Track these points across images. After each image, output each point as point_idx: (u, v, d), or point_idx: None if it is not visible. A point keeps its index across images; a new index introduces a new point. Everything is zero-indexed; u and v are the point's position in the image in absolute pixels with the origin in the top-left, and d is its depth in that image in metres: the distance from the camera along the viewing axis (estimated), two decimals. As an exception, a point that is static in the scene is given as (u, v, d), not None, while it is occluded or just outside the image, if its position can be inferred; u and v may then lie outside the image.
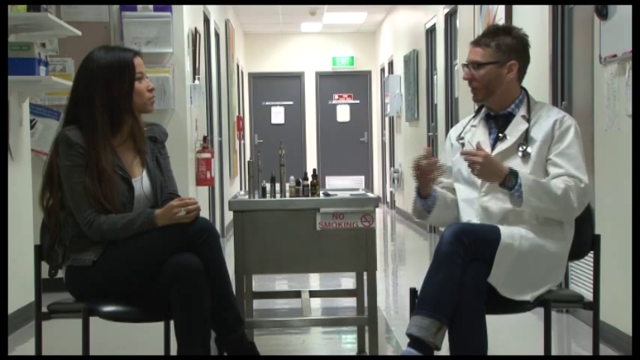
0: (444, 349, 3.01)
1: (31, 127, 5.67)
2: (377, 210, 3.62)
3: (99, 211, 3.06)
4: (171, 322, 3.10)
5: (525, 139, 3.19)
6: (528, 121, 3.22)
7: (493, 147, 3.25)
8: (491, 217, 3.17)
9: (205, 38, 8.26)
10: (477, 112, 3.41)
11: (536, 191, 3.03)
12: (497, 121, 3.30)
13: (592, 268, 3.22)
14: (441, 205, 3.32)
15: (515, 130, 3.22)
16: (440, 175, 3.28)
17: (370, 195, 3.71)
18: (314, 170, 3.71)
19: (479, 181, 3.21)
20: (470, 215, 3.25)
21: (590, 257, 3.29)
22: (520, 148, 3.18)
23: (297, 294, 4.43)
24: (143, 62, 3.24)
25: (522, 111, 3.26)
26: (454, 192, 3.37)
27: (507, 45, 3.24)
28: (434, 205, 3.32)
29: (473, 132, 3.34)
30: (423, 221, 3.45)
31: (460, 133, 3.39)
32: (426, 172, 3.25)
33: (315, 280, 6.55)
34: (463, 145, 3.33)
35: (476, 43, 3.31)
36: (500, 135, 3.24)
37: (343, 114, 15.40)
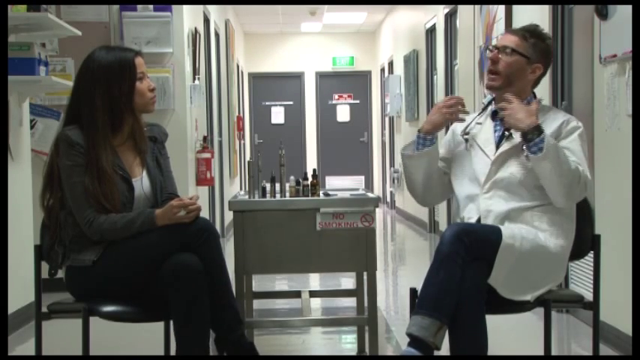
0: (444, 349, 3.01)
1: (31, 127, 5.67)
2: (377, 210, 3.62)
3: (99, 211, 3.06)
4: (171, 322, 3.10)
5: None
6: (535, 121, 3.22)
7: (498, 145, 3.24)
8: (492, 214, 3.16)
9: (205, 38, 8.26)
10: (484, 109, 3.40)
11: (555, 154, 3.02)
12: (503, 120, 3.29)
13: (592, 268, 3.22)
14: (432, 153, 3.30)
15: None
16: (461, 116, 3.27)
17: (370, 195, 3.71)
18: (314, 170, 3.71)
19: (482, 178, 3.21)
20: (471, 211, 3.24)
21: (590, 257, 3.29)
22: (525, 147, 3.17)
23: (297, 294, 4.43)
24: (144, 62, 3.24)
25: None
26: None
27: (541, 48, 3.25)
28: (430, 144, 3.28)
29: (478, 129, 3.33)
30: (406, 161, 3.37)
31: (465, 128, 3.38)
32: (450, 109, 3.25)
33: (315, 280, 6.55)
34: (467, 140, 3.32)
35: (513, 31, 3.31)
36: (507, 133, 3.23)
37: (343, 114, 15.40)
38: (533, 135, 3.04)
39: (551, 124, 3.20)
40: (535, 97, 3.30)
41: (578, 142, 3.15)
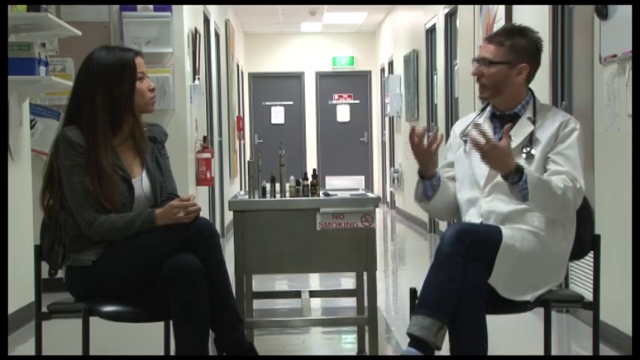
0: (445, 349, 3.01)
1: (31, 127, 5.67)
2: (377, 210, 3.62)
3: (99, 211, 3.06)
4: (171, 322, 3.10)
5: (530, 140, 3.18)
6: (534, 123, 3.20)
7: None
8: (493, 217, 3.16)
9: (205, 38, 8.26)
10: (483, 109, 3.39)
11: (540, 189, 3.00)
12: (502, 121, 3.28)
13: (592, 268, 3.22)
14: (444, 191, 3.29)
15: (520, 131, 3.20)
16: (439, 145, 3.18)
17: (370, 195, 3.71)
18: (314, 170, 3.71)
19: (482, 181, 3.20)
20: (472, 215, 3.23)
21: (590, 257, 3.29)
22: (524, 150, 3.17)
23: (297, 294, 4.43)
24: (144, 62, 3.23)
25: (528, 113, 3.23)
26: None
27: (521, 47, 3.19)
28: (438, 186, 3.26)
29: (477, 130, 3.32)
30: (424, 206, 3.38)
31: (464, 130, 3.37)
32: (424, 148, 3.17)
33: (315, 280, 6.55)
34: (465, 142, 3.31)
35: (490, 40, 3.26)
36: (505, 135, 3.22)
37: (343, 114, 15.40)
38: (514, 178, 3.00)
39: (549, 125, 3.18)
40: (533, 95, 3.29)
41: (575, 145, 3.13)
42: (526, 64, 3.20)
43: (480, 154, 3.02)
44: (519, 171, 3.00)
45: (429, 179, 3.27)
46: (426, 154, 3.20)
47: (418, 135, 3.17)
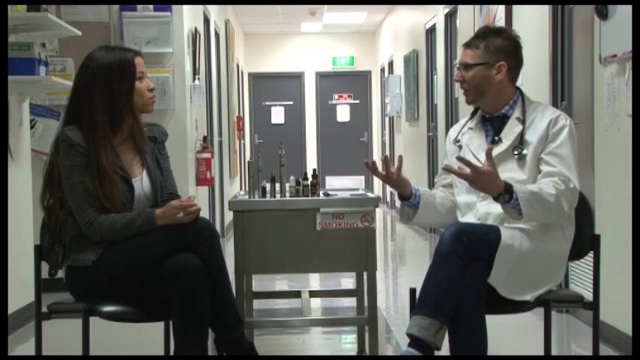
0: (444, 349, 3.01)
1: (31, 127, 5.67)
2: (377, 210, 3.62)
3: (99, 211, 3.06)
4: (171, 322, 3.10)
5: (520, 141, 3.18)
6: (523, 122, 3.20)
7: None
8: (491, 218, 3.16)
9: (205, 38, 8.26)
10: (473, 113, 3.39)
11: (533, 203, 3.00)
12: (492, 124, 3.28)
13: (592, 268, 3.22)
14: (426, 208, 3.31)
15: (509, 132, 3.20)
16: (398, 166, 3.24)
17: (370, 195, 3.71)
18: (314, 170, 3.71)
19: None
20: (469, 218, 3.24)
21: (590, 257, 3.29)
22: (515, 151, 3.16)
23: (297, 294, 4.43)
24: (144, 62, 3.24)
25: (517, 112, 3.23)
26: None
27: (496, 46, 3.21)
28: (417, 204, 3.30)
29: (470, 135, 3.33)
30: (410, 225, 3.43)
31: (457, 136, 3.38)
32: (386, 175, 3.24)
33: (315, 280, 6.55)
34: (460, 147, 3.32)
35: (467, 45, 3.30)
36: (496, 138, 3.22)
37: (343, 114, 15.41)
38: (505, 198, 3.01)
39: (539, 124, 3.17)
40: (521, 93, 3.29)
41: (567, 143, 3.12)
42: (504, 62, 3.21)
43: (468, 183, 3.05)
44: (509, 190, 3.00)
45: (407, 199, 3.30)
46: (388, 180, 3.26)
47: (370, 165, 3.26)
